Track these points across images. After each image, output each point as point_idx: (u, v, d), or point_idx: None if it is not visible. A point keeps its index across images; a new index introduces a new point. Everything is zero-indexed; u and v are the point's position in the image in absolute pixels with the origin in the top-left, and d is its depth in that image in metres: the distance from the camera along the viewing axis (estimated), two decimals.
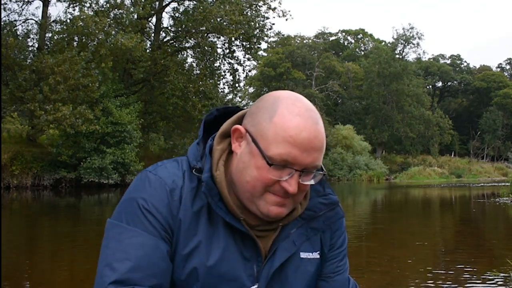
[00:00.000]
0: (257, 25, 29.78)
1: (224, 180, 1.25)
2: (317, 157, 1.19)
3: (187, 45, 30.13)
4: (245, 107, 1.40)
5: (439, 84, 72.55)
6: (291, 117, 1.17)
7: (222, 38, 29.37)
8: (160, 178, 1.23)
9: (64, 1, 25.31)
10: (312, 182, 1.22)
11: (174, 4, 29.74)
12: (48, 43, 25.22)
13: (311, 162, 1.18)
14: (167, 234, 1.20)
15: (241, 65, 31.39)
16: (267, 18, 30.55)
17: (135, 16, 26.50)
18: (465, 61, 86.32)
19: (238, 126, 1.25)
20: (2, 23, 22.61)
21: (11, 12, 25.47)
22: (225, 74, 31.41)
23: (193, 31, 27.79)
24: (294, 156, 1.16)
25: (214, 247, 1.22)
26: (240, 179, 1.21)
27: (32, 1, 26.07)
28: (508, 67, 78.37)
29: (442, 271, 6.62)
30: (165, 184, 1.22)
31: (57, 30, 24.77)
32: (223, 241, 1.24)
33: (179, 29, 29.08)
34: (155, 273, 1.14)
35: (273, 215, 1.22)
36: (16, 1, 25.43)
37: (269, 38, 35.80)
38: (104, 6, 25.65)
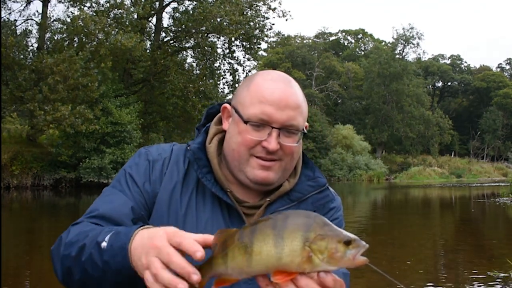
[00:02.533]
0: (257, 25, 29.75)
1: (215, 154, 1.35)
2: (293, 115, 1.26)
3: (187, 45, 30.11)
4: None
5: (439, 84, 72.52)
6: (265, 82, 1.29)
7: (222, 38, 29.34)
8: (147, 151, 1.38)
9: (64, 1, 25.30)
10: (294, 143, 1.28)
11: (174, 4, 29.74)
12: (48, 43, 25.20)
13: (286, 119, 1.25)
14: (141, 197, 1.30)
15: (241, 65, 31.37)
16: (267, 18, 30.53)
17: (135, 16, 26.47)
18: (465, 61, 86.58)
19: (225, 104, 1.37)
20: (1, 23, 22.59)
21: (12, 12, 25.47)
22: (225, 74, 31.38)
23: (193, 31, 27.77)
24: (268, 113, 1.24)
25: (199, 216, 1.30)
26: (228, 150, 1.31)
27: (32, 1, 26.07)
28: (508, 67, 78.37)
29: (442, 271, 6.62)
30: (150, 156, 1.36)
31: (57, 30, 24.75)
32: (209, 213, 1.30)
33: (179, 29, 29.05)
34: (116, 222, 1.23)
35: (259, 179, 1.28)
36: (16, 1, 25.43)
37: (269, 38, 35.78)
38: (104, 6, 25.64)
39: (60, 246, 1.19)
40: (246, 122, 1.25)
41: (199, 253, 0.92)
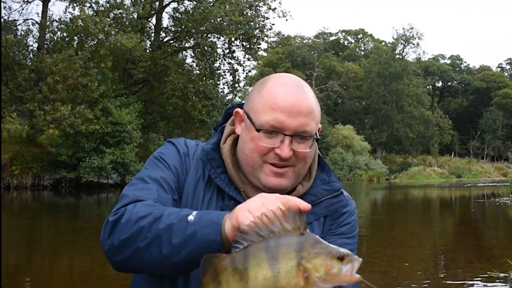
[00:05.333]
0: (257, 25, 29.73)
1: (229, 154, 1.36)
2: (305, 121, 1.26)
3: (187, 45, 30.09)
4: None
5: (439, 84, 72.50)
6: (277, 87, 1.28)
7: (222, 38, 29.33)
8: (177, 142, 1.41)
9: (64, 1, 25.30)
10: (306, 149, 1.28)
11: (174, 4, 29.72)
12: (47, 42, 25.19)
13: (298, 126, 1.25)
14: (176, 179, 1.32)
15: (241, 65, 31.34)
16: (267, 18, 30.53)
17: (135, 16, 26.47)
18: (465, 61, 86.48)
19: (238, 109, 1.37)
20: (2, 23, 22.59)
21: (12, 11, 25.47)
22: (225, 74, 31.37)
23: (193, 31, 27.75)
24: (280, 121, 1.24)
25: None
26: (242, 155, 1.32)
27: (32, 0, 26.06)
28: (508, 67, 78.34)
29: (442, 271, 6.63)
30: (181, 148, 1.39)
31: (56, 29, 24.74)
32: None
33: (179, 29, 29.03)
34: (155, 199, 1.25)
35: (272, 185, 1.28)
36: (16, 1, 25.44)
37: (269, 38, 35.78)
38: (104, 6, 25.63)
39: (124, 216, 1.17)
40: (258, 130, 1.25)
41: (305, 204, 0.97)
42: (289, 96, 1.25)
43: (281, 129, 1.24)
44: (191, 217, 1.10)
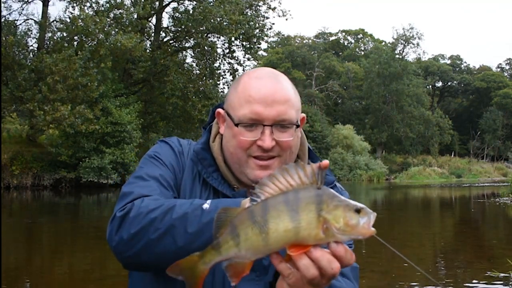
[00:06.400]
0: (257, 25, 29.72)
1: (219, 152, 1.36)
2: (283, 110, 1.25)
3: (187, 45, 30.09)
4: None
5: (439, 84, 72.46)
6: (251, 81, 1.29)
7: (222, 38, 29.33)
8: (170, 141, 1.41)
9: (64, 1, 25.31)
10: (290, 138, 1.27)
11: (174, 4, 29.70)
12: (47, 42, 25.19)
13: (276, 115, 1.25)
14: (174, 177, 1.32)
15: (241, 65, 31.34)
16: (267, 18, 30.52)
17: (135, 16, 26.47)
18: (465, 61, 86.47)
19: (219, 109, 1.38)
20: (2, 22, 22.59)
21: (12, 11, 25.46)
22: (225, 74, 31.36)
23: (193, 31, 27.74)
24: (257, 112, 1.24)
25: None
26: (227, 153, 1.32)
27: (32, 0, 26.05)
28: (508, 67, 78.31)
29: (442, 271, 6.63)
30: (175, 147, 1.39)
31: (56, 29, 24.73)
32: None
33: (179, 29, 29.03)
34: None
35: (260, 179, 1.27)
36: (16, 1, 25.43)
37: (269, 38, 35.75)
38: (104, 6, 25.62)
39: (133, 210, 1.15)
40: (237, 125, 1.26)
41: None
42: (263, 88, 1.26)
43: (259, 120, 1.25)
44: (206, 206, 1.11)
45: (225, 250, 0.95)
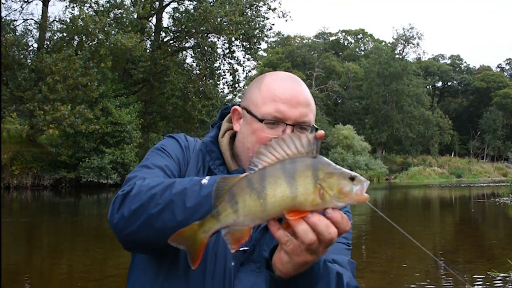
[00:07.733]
0: (257, 25, 29.73)
1: (228, 147, 1.41)
2: (305, 112, 1.32)
3: (187, 45, 30.10)
4: None
5: (439, 84, 72.45)
6: (275, 82, 1.35)
7: (222, 38, 29.33)
8: (179, 137, 1.47)
9: (64, 0, 25.30)
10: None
11: (174, 4, 29.71)
12: (47, 42, 25.18)
13: (299, 116, 1.31)
14: (178, 169, 1.36)
15: (241, 65, 31.34)
16: (267, 18, 30.53)
17: (135, 16, 26.47)
18: (465, 61, 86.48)
19: (235, 106, 1.43)
20: (2, 22, 22.57)
21: (12, 11, 25.45)
22: (225, 74, 31.38)
23: (193, 31, 27.75)
24: (282, 111, 1.30)
25: None
26: (243, 149, 1.36)
27: (32, 0, 26.06)
28: (508, 67, 78.29)
29: (442, 271, 6.63)
30: (182, 141, 1.45)
31: (56, 29, 24.72)
32: None
33: (179, 29, 29.04)
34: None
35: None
36: (16, 1, 25.43)
37: (269, 38, 35.83)
38: (104, 5, 25.62)
39: (134, 188, 1.18)
40: (261, 121, 1.31)
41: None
42: (288, 89, 1.32)
43: (283, 119, 1.30)
44: (204, 181, 1.14)
45: (224, 217, 0.97)
